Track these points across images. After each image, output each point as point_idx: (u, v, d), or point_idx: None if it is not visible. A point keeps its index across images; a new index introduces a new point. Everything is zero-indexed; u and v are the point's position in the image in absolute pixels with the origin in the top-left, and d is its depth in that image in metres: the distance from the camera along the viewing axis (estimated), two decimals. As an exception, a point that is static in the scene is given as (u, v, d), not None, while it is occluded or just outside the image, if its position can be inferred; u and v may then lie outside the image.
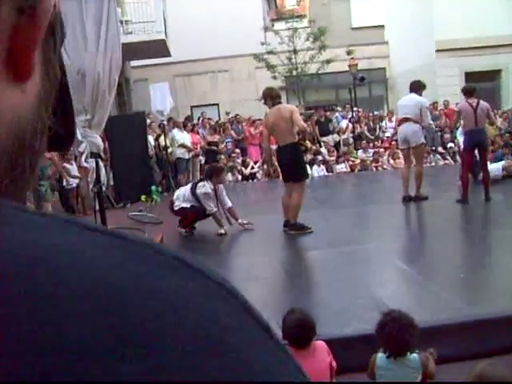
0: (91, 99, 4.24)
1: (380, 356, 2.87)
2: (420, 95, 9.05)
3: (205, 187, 7.31)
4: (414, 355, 2.83)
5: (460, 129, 14.75)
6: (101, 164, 4.51)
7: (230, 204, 7.59)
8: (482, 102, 8.76)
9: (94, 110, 4.30)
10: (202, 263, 0.31)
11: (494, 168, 10.05)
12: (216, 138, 14.96)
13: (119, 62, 4.41)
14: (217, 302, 0.29)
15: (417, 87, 9.13)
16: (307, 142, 8.43)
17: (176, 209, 7.58)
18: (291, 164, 7.13)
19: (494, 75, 19.20)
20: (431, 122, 9.49)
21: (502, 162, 10.31)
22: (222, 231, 7.27)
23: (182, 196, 7.63)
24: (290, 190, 7.26)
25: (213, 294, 0.29)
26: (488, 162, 10.08)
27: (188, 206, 7.45)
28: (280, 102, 7.40)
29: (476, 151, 8.94)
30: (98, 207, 4.53)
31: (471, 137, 8.73)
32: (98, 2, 4.21)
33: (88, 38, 4.15)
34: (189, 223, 7.63)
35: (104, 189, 4.25)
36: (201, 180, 7.77)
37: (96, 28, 4.19)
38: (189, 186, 7.91)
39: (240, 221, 7.51)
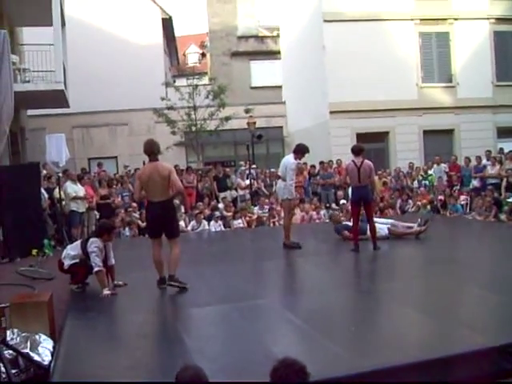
0: (-21, 149, 4.07)
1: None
2: (298, 158, 10.12)
3: (96, 243, 7.10)
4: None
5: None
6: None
7: (113, 262, 7.42)
8: (366, 161, 9.71)
9: (-19, 160, 4.12)
10: None
11: (382, 228, 10.56)
12: (106, 190, 14.65)
13: (11, 111, 4.28)
14: None
15: (295, 149, 10.28)
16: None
17: (66, 268, 7.39)
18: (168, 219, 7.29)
19: (382, 136, 20.38)
20: (290, 182, 9.99)
21: (388, 224, 10.82)
22: (108, 292, 6.90)
23: (69, 254, 7.41)
24: (159, 245, 7.39)
25: None
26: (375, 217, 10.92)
27: (77, 261, 7.28)
28: (157, 159, 7.31)
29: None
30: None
31: (356, 192, 9.70)
32: (-10, 49, 4.11)
33: (-22, 86, 4.03)
34: (81, 278, 7.39)
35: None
36: (90, 237, 7.51)
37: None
38: (78, 243, 7.69)
39: (116, 282, 7.39)
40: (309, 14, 21.48)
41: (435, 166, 17.27)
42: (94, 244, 7.09)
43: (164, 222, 7.25)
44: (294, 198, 10.49)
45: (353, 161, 9.69)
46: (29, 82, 16.12)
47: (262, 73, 28.86)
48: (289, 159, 10.05)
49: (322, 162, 17.85)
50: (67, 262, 7.35)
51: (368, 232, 10.08)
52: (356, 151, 9.83)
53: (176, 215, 7.77)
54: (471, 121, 19.93)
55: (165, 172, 7.07)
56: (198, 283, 7.83)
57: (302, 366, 2.98)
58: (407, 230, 10.66)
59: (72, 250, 7.48)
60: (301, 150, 10.15)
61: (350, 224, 11.26)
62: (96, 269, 6.99)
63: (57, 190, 12.67)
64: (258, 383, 3.71)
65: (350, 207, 10.99)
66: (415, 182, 17.15)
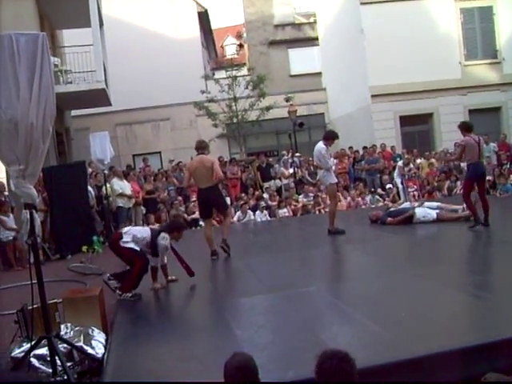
0: (24, 149, 4.13)
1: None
2: (328, 144, 10.01)
3: (167, 240, 6.87)
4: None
5: (397, 170, 15.31)
6: (35, 215, 4.37)
7: (165, 261, 7.26)
8: (480, 137, 9.46)
9: (27, 160, 4.19)
10: None
11: (430, 213, 10.39)
12: (151, 186, 14.83)
13: (53, 111, 4.33)
14: None
15: (324, 136, 10.23)
16: None
17: (123, 245, 6.64)
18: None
19: (426, 118, 19.99)
20: (327, 167, 10.02)
21: (437, 209, 10.62)
22: (159, 285, 6.97)
23: (134, 235, 6.75)
24: (210, 224, 9.15)
25: None
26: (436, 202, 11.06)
27: (138, 248, 6.69)
28: (204, 153, 8.93)
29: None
30: (32, 260, 4.40)
31: (477, 168, 9.34)
32: (30, 49, 4.16)
33: (21, 87, 4.09)
34: (135, 281, 6.66)
35: (39, 240, 4.12)
36: (162, 230, 7.11)
37: (29, 76, 4.14)
38: (147, 229, 7.37)
39: (169, 277, 7.27)
40: (345, -2, 21.21)
41: (484, 145, 16.79)
42: (167, 240, 6.86)
43: (212, 202, 8.95)
44: (336, 182, 10.51)
45: (471, 137, 9.35)
46: (71, 83, 16.46)
47: (300, 60, 28.62)
48: (318, 147, 10.07)
49: (365, 147, 17.64)
50: (128, 241, 6.65)
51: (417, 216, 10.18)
52: (469, 127, 9.53)
53: (221, 195, 9.40)
54: (519, 97, 19.36)
55: (208, 163, 8.66)
56: (246, 273, 7.87)
57: (345, 353, 2.84)
58: (455, 215, 10.43)
59: (139, 233, 6.89)
60: (330, 136, 10.20)
61: (393, 209, 11.14)
62: (159, 264, 6.94)
63: (103, 187, 12.90)
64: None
65: (464, 183, 10.50)
66: (465, 164, 16.70)
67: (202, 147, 9.03)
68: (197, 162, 8.88)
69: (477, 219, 9.22)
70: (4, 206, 10.64)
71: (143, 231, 7.08)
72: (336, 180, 10.56)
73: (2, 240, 10.42)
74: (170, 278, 7.29)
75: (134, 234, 6.79)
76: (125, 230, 7.01)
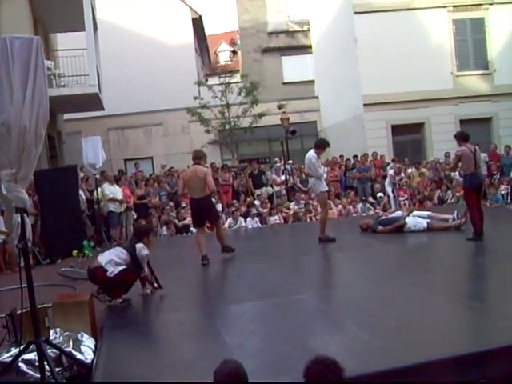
0: (16, 152, 4.12)
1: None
2: (319, 152, 10.05)
3: (145, 249, 6.77)
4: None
5: (388, 179, 15.37)
6: (26, 219, 4.35)
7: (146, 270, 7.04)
8: (476, 147, 9.39)
9: (19, 164, 4.17)
10: None
11: (421, 222, 10.44)
12: (142, 191, 14.79)
13: (46, 115, 4.32)
14: None
15: (315, 144, 10.29)
16: None
17: (113, 275, 6.47)
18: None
19: (418, 128, 20.10)
20: (318, 175, 10.05)
21: (427, 219, 10.64)
22: (149, 291, 6.92)
23: (115, 261, 6.59)
24: (202, 232, 9.28)
25: None
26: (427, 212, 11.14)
27: (125, 267, 6.61)
28: (199, 163, 9.10)
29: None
30: (23, 264, 4.37)
31: (475, 178, 9.24)
32: (25, 53, 4.15)
33: (14, 90, 4.08)
34: (128, 287, 6.69)
35: (30, 245, 4.09)
36: (134, 243, 6.87)
37: (23, 80, 4.13)
38: (120, 249, 6.97)
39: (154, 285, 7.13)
40: (339, 7, 21.32)
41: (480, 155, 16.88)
42: (145, 250, 6.76)
43: (203, 213, 9.12)
44: (326, 190, 10.56)
45: (467, 146, 9.26)
46: (64, 86, 16.43)
47: (293, 68, 28.75)
48: (309, 155, 10.10)
49: (355, 156, 17.73)
50: (113, 269, 6.51)
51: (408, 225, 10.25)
52: (465, 137, 9.44)
53: (213, 206, 9.47)
54: (510, 108, 19.47)
55: (201, 174, 8.81)
56: (237, 280, 7.87)
57: (333, 360, 2.91)
58: (445, 224, 10.45)
59: (116, 257, 6.70)
60: (321, 145, 10.26)
61: (384, 217, 11.18)
62: (143, 274, 6.83)
63: (95, 191, 12.86)
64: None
65: (463, 193, 10.47)
66: (456, 173, 16.81)
67: (198, 157, 9.20)
68: (191, 171, 9.12)
69: (477, 233, 9.04)
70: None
71: (118, 253, 6.81)
72: (327, 188, 10.60)
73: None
74: (154, 285, 7.14)
75: (113, 260, 6.63)
76: (102, 262, 6.61)
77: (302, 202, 15.06)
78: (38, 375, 4.36)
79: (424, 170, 16.87)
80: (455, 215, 10.52)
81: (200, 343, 5.07)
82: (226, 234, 9.53)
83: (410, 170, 16.79)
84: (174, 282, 7.55)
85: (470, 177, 9.25)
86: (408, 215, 10.87)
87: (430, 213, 11.13)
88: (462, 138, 9.45)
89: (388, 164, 17.03)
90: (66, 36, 18.35)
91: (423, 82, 18.78)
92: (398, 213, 11.62)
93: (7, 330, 4.76)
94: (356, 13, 19.40)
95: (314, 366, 2.88)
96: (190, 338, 5.29)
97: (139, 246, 6.78)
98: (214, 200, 9.59)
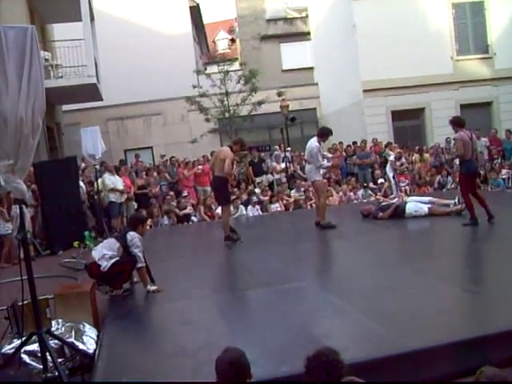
0: (13, 143, 4.09)
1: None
2: (321, 141, 10.10)
3: (138, 237, 6.65)
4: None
5: (389, 164, 15.30)
6: (25, 210, 4.34)
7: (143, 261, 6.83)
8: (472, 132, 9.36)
9: (16, 155, 4.14)
10: None
11: (422, 208, 10.42)
12: (143, 181, 14.78)
13: (43, 105, 4.29)
14: None
15: (318, 132, 10.32)
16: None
17: (106, 270, 6.43)
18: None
19: (418, 113, 20.02)
20: (318, 165, 10.02)
21: (428, 204, 10.62)
22: (154, 288, 6.61)
23: (105, 255, 6.53)
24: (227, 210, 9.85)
25: None
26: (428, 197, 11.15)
27: (118, 259, 6.54)
28: (230, 146, 9.62)
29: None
30: (22, 255, 4.36)
31: (472, 164, 9.25)
32: (19, 43, 4.11)
33: (9, 81, 4.04)
34: (127, 278, 6.73)
35: (29, 236, 4.08)
36: (126, 232, 6.79)
37: (18, 70, 4.09)
38: (111, 240, 6.91)
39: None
40: (337, -7, 21.16)
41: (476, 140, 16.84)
42: (137, 238, 6.62)
43: (215, 191, 10.26)
44: (321, 180, 10.55)
45: (464, 132, 9.13)
46: (62, 77, 16.36)
47: (292, 55, 28.60)
48: (312, 144, 10.06)
49: (355, 142, 17.70)
50: (106, 263, 6.47)
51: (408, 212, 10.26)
52: (461, 123, 9.29)
53: (223, 188, 9.59)
54: (510, 92, 19.40)
55: (222, 156, 9.36)
56: (238, 267, 7.87)
57: (332, 358, 2.84)
58: (446, 209, 10.43)
59: (108, 250, 6.63)
60: (325, 133, 10.25)
61: (385, 203, 11.13)
62: (139, 265, 6.58)
63: (95, 182, 12.83)
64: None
65: (459, 180, 10.26)
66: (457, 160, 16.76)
67: (233, 142, 9.90)
68: (218, 151, 10.01)
69: (473, 219, 9.05)
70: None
71: (110, 245, 6.73)
72: (321, 178, 10.60)
73: (1, 233, 10.24)
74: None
75: (105, 254, 6.55)
76: (96, 258, 6.55)
77: (303, 189, 15.03)
78: (41, 366, 4.36)
79: (427, 155, 16.83)
80: (456, 200, 10.48)
81: (202, 332, 5.06)
82: (229, 224, 9.63)
83: (413, 157, 16.72)
84: (175, 270, 7.55)
85: (467, 163, 9.19)
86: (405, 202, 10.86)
87: (431, 198, 11.11)
88: (457, 123, 9.32)
89: (384, 150, 16.98)
90: (63, 27, 18.26)
91: (423, 66, 18.67)
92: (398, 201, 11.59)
93: (9, 321, 4.76)
94: (354, -2, 19.27)
95: (310, 360, 2.86)
96: (192, 326, 5.28)
97: (131, 233, 6.67)
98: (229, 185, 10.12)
